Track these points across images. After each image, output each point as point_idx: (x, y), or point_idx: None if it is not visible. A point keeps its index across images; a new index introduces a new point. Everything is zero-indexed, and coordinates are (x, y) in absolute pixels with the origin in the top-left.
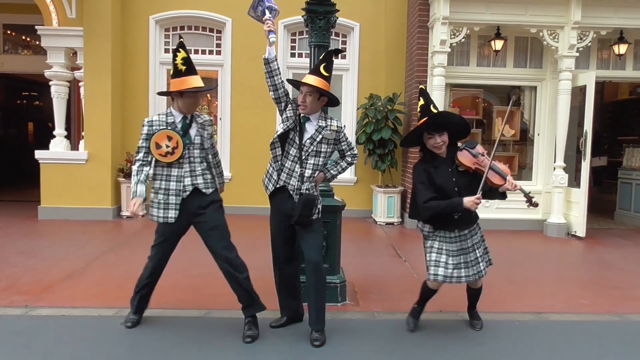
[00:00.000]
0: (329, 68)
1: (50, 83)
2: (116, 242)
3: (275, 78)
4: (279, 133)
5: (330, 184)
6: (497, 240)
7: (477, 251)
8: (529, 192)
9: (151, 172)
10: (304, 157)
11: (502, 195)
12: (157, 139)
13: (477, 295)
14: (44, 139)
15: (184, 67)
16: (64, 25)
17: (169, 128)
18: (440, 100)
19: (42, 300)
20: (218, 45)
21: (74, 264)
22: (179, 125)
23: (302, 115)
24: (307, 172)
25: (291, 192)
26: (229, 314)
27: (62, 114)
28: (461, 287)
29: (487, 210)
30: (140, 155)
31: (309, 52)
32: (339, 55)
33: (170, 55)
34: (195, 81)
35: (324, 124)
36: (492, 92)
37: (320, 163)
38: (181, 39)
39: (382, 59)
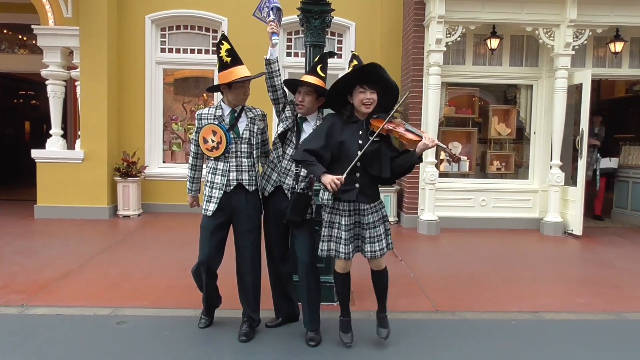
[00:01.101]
0: (324, 69)
1: (47, 82)
2: (112, 241)
3: (276, 79)
4: (279, 132)
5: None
6: (493, 239)
7: (376, 229)
8: (449, 148)
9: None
10: None
11: (385, 180)
12: (204, 134)
13: (384, 286)
14: (40, 138)
15: (229, 59)
16: (60, 25)
17: (215, 122)
18: (436, 100)
19: (37, 299)
20: (214, 45)
21: (69, 263)
22: (227, 119)
23: (299, 115)
24: (303, 172)
25: (286, 191)
26: (224, 313)
27: (58, 113)
28: (456, 285)
29: (483, 208)
30: (192, 148)
31: (304, 51)
32: (334, 56)
33: (167, 54)
34: (242, 71)
35: None
36: (488, 90)
37: None
38: (223, 32)
39: (378, 58)
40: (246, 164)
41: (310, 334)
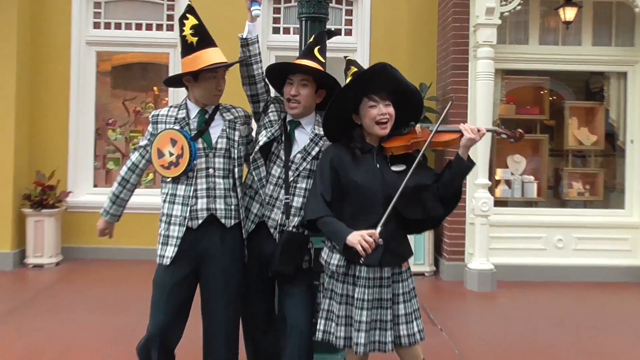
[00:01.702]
0: (323, 53)
1: None
2: (16, 302)
3: (255, 67)
4: (260, 144)
5: None
6: (574, 297)
7: (412, 302)
8: (500, 126)
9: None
10: (291, 180)
11: (432, 222)
12: (159, 144)
13: None
14: None
15: (195, 39)
16: None
17: (176, 127)
18: (487, 94)
19: None
20: (170, 18)
21: None
22: (194, 123)
23: (289, 119)
24: (296, 202)
25: (272, 230)
26: None
27: None
28: None
29: (560, 252)
30: (132, 156)
31: (298, 27)
32: (334, 35)
33: (102, 31)
34: (214, 56)
35: (321, 132)
36: (562, 81)
37: None
38: (190, 3)
39: (404, 35)
40: (222, 186)
41: None
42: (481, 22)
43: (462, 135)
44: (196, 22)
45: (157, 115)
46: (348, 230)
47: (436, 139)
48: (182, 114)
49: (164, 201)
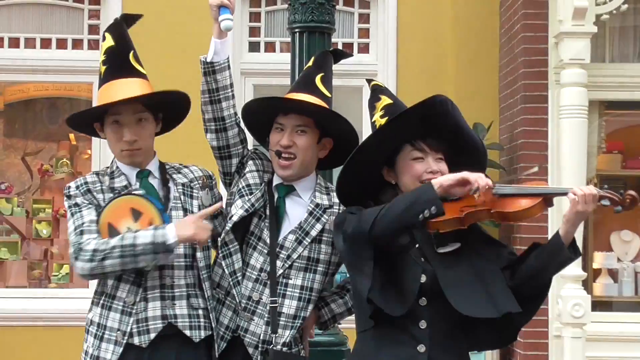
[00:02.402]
0: (328, 83)
1: None
2: None
3: (224, 104)
4: (234, 220)
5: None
6: None
7: None
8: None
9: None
10: (280, 274)
11: (507, 331)
12: (110, 217)
13: None
14: None
15: (104, 68)
16: None
17: (136, 192)
18: (577, 138)
19: None
20: (93, 31)
21: None
22: (139, 191)
23: (276, 183)
24: (288, 307)
25: (250, 350)
26: None
27: None
28: None
29: None
30: (86, 237)
31: (288, 41)
32: (346, 56)
33: None
34: (119, 89)
35: (325, 201)
36: None
37: (314, 286)
38: (123, 14)
39: (448, 52)
40: (182, 281)
41: None
42: (567, 30)
43: (547, 200)
44: (112, 43)
45: (85, 183)
46: (423, 185)
47: (507, 207)
48: (120, 181)
49: (95, 304)
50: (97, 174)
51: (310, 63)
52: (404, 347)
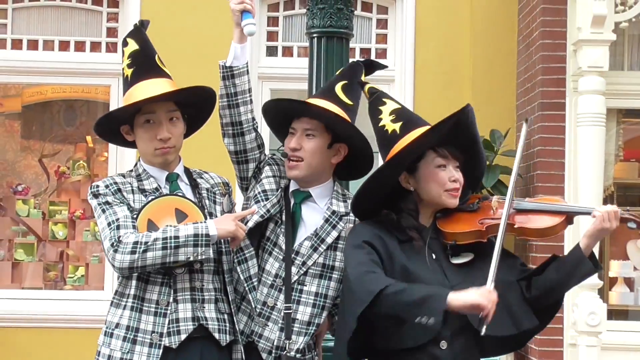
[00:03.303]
0: (352, 92)
1: None
2: None
3: (243, 109)
4: (250, 225)
5: None
6: None
7: None
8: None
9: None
10: (295, 279)
11: (519, 339)
12: (152, 214)
13: None
14: None
15: (130, 71)
16: None
17: (181, 194)
18: (595, 146)
19: None
20: (112, 34)
21: None
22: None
23: (293, 189)
24: (302, 313)
25: (264, 355)
26: None
27: None
28: None
29: None
30: (124, 231)
31: (307, 45)
32: (376, 70)
33: (8, 53)
34: (148, 88)
35: (341, 208)
36: None
37: (329, 293)
38: (141, 20)
39: (467, 58)
40: (210, 285)
41: None
42: (586, 37)
43: (569, 219)
44: (136, 47)
45: (115, 183)
46: (442, 288)
47: (529, 223)
48: (150, 183)
49: (121, 307)
50: (123, 175)
51: (338, 72)
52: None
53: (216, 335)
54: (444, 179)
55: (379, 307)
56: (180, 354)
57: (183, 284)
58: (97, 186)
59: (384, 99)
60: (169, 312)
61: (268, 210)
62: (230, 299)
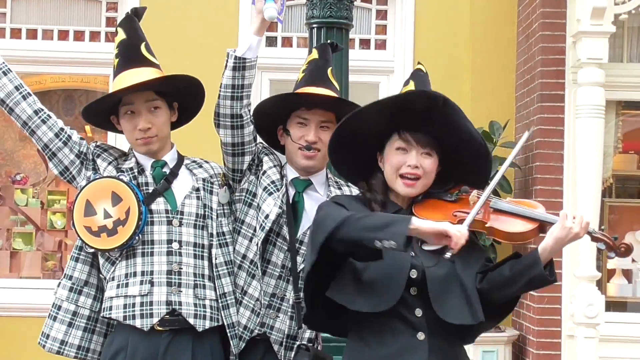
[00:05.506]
0: (334, 74)
1: None
2: None
3: (245, 102)
4: (272, 219)
5: None
6: None
7: None
8: (604, 230)
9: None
10: (301, 268)
11: (470, 334)
12: (90, 194)
13: None
14: None
15: (116, 60)
16: None
17: (122, 178)
18: (594, 138)
19: None
20: (111, 23)
21: None
22: (149, 177)
23: (292, 178)
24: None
25: (276, 347)
26: None
27: None
28: None
29: None
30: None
31: (307, 36)
32: (336, 49)
33: (7, 42)
34: (130, 78)
35: (338, 194)
36: None
37: None
38: (127, 12)
39: (466, 49)
40: (191, 270)
41: None
42: (585, 29)
43: (542, 227)
44: (124, 37)
45: (103, 148)
46: (408, 216)
47: (502, 225)
48: (129, 164)
49: (88, 287)
50: (123, 152)
51: (315, 55)
52: (403, 335)
53: (191, 320)
54: (399, 162)
55: (342, 233)
56: (156, 338)
57: (159, 266)
58: (95, 142)
59: (410, 80)
60: (140, 294)
61: (282, 201)
62: (222, 290)
